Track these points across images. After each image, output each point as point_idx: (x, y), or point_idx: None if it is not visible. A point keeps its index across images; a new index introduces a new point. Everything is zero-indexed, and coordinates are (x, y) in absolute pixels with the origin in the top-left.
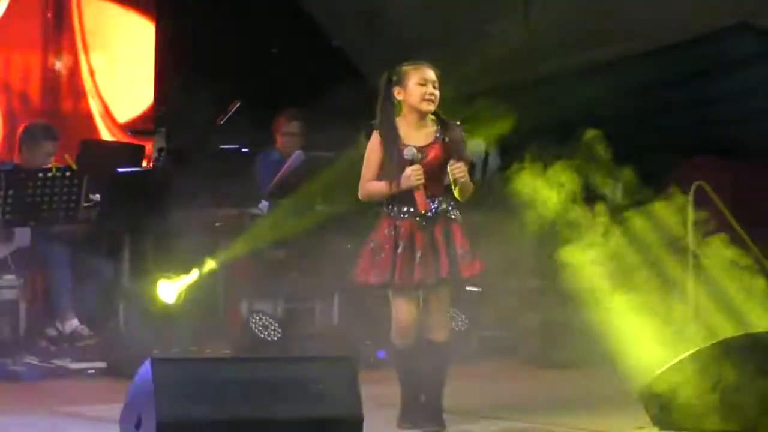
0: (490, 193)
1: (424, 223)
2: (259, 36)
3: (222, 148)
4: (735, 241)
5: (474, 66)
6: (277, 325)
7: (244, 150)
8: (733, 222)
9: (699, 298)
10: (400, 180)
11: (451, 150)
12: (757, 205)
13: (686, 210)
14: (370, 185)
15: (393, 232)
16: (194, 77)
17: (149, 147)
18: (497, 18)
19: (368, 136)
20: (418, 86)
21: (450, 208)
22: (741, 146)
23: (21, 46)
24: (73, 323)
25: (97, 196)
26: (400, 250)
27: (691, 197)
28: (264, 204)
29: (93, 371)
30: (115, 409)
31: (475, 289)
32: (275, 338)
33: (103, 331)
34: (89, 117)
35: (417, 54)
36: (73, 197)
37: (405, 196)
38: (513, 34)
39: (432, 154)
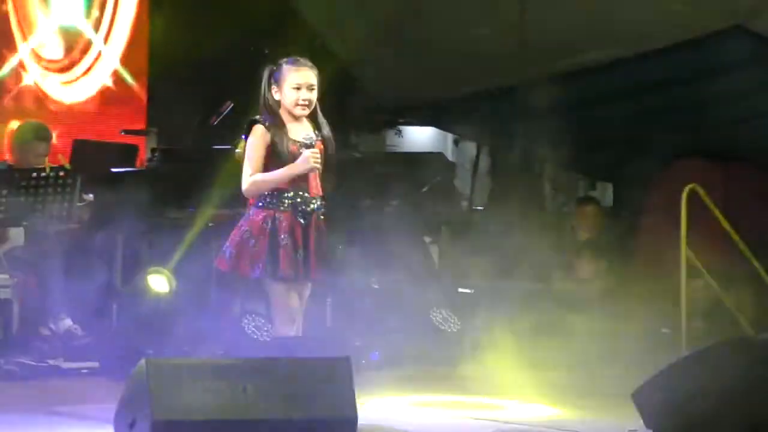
0: (481, 192)
1: (302, 221)
2: (252, 36)
3: (215, 148)
4: (726, 242)
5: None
6: (270, 326)
7: (237, 150)
8: (725, 224)
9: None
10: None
11: (327, 147)
12: (749, 207)
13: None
14: (259, 177)
15: (271, 224)
16: (187, 78)
17: (142, 147)
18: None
19: (248, 133)
20: (292, 90)
21: (322, 207)
22: (733, 148)
23: None
24: (66, 323)
25: (91, 195)
26: (284, 242)
27: (684, 200)
28: None
29: (86, 371)
30: (109, 409)
31: (467, 291)
32: (268, 339)
33: (96, 331)
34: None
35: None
36: (67, 197)
37: (283, 189)
38: (506, 35)
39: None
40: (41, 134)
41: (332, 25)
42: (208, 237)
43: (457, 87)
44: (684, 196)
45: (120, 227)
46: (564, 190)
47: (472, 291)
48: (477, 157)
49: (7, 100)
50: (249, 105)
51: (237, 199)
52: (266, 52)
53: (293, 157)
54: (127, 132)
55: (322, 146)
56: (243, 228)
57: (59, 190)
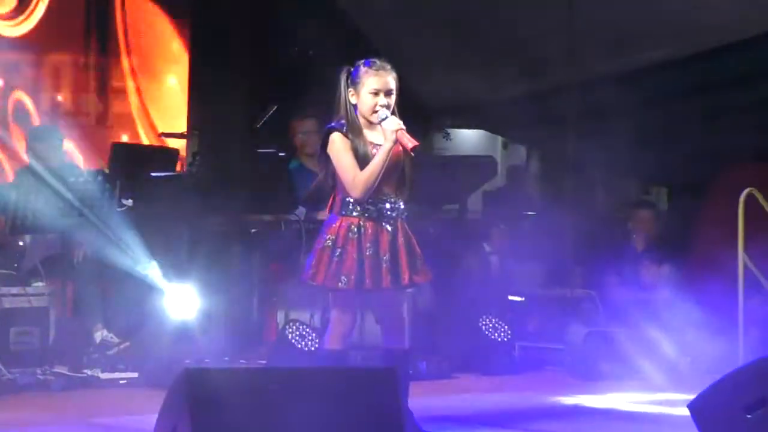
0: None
1: (388, 227)
2: (295, 38)
3: (258, 151)
4: None
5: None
6: (314, 335)
7: (281, 154)
8: None
9: None
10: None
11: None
12: None
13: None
14: (365, 175)
15: (357, 232)
16: (230, 79)
17: (183, 150)
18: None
19: (326, 142)
20: (370, 96)
21: (404, 208)
22: None
23: (62, 45)
24: (102, 332)
25: (129, 201)
26: (368, 252)
27: (741, 205)
28: (301, 210)
29: (125, 381)
30: (149, 421)
31: (518, 298)
32: (313, 348)
33: (135, 341)
34: (128, 116)
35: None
36: (105, 202)
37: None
38: (556, 34)
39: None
40: (55, 134)
41: (377, 24)
42: (251, 243)
43: (506, 88)
44: (741, 200)
45: (160, 233)
46: (617, 194)
47: (523, 299)
48: (527, 160)
49: None
50: (293, 108)
51: (282, 205)
52: (311, 53)
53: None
54: (168, 134)
55: (397, 150)
56: (324, 237)
57: (98, 195)
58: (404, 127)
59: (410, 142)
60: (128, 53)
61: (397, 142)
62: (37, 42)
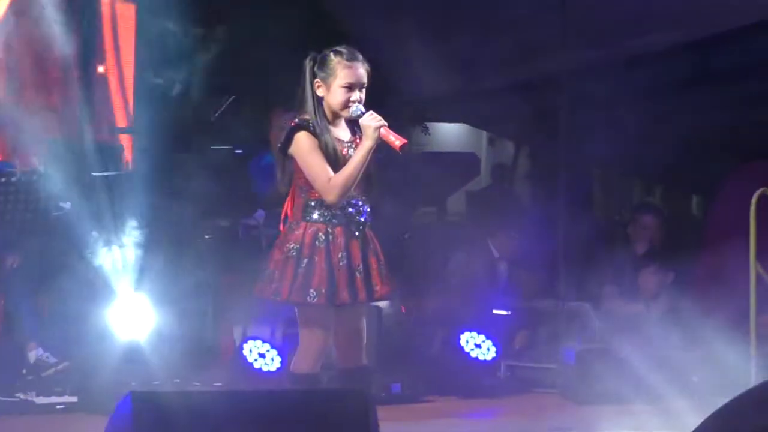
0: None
1: (357, 233)
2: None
3: (213, 148)
4: None
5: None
6: (275, 353)
7: (237, 151)
8: None
9: None
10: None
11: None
12: None
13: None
14: (341, 177)
15: (325, 240)
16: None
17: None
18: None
19: (288, 140)
20: (342, 90)
21: (370, 212)
22: None
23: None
24: (37, 351)
25: (68, 203)
26: (341, 262)
27: (753, 206)
28: (260, 213)
29: (62, 406)
30: None
31: (503, 312)
32: (273, 369)
33: (74, 361)
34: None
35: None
36: (40, 205)
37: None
38: (546, 17)
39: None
40: None
41: (347, 4)
42: (205, 251)
43: (491, 77)
44: (753, 201)
45: (101, 240)
46: (616, 195)
47: (509, 312)
48: (515, 157)
49: None
50: (254, 101)
51: (239, 208)
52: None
53: (343, 160)
54: (111, 130)
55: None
56: (287, 246)
57: (31, 197)
58: (386, 123)
59: (398, 140)
60: None
61: (379, 140)
62: None
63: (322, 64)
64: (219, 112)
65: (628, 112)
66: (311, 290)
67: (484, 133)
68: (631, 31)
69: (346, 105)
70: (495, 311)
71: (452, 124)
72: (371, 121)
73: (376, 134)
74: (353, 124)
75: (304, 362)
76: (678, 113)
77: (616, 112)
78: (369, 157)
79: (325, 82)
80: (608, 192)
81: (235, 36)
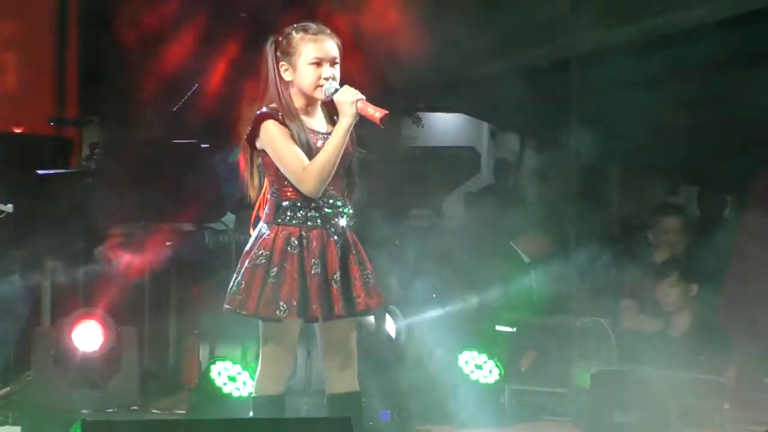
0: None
1: (335, 237)
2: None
3: (175, 142)
4: None
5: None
6: (248, 375)
7: (203, 145)
8: None
9: None
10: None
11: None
12: None
13: None
14: (317, 163)
15: (298, 245)
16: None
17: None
18: None
19: (255, 132)
20: (311, 67)
21: (352, 213)
22: None
23: None
24: None
25: (9, 206)
26: (314, 271)
27: None
28: (230, 217)
29: None
30: None
31: (508, 329)
32: (245, 394)
33: (17, 386)
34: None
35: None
36: None
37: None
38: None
39: None
40: None
41: None
42: (167, 259)
43: (492, 61)
44: None
45: (49, 250)
46: (635, 195)
47: (515, 329)
48: (521, 152)
49: None
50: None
51: (205, 210)
52: (243, 16)
53: (317, 152)
54: (58, 122)
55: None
56: (256, 252)
57: None
58: (363, 96)
59: (377, 112)
60: None
61: (358, 116)
62: None
63: (285, 44)
64: (182, 101)
65: (648, 100)
66: (281, 303)
67: (485, 124)
68: (652, 8)
69: (317, 84)
70: (498, 327)
71: (448, 115)
72: (347, 95)
73: (353, 109)
74: (331, 114)
75: (265, 384)
76: (706, 101)
77: (634, 99)
78: (347, 139)
79: (290, 62)
80: (627, 191)
81: None
